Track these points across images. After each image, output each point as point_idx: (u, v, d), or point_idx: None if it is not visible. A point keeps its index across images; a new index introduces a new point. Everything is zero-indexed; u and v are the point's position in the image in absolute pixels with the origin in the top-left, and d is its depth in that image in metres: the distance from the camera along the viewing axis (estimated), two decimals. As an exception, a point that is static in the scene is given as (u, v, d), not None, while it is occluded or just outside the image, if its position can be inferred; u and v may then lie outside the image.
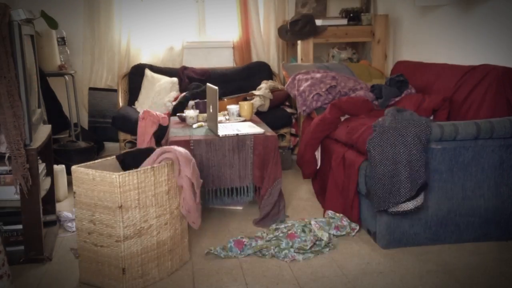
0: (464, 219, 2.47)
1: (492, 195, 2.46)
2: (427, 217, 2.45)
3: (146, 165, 2.20)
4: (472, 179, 2.43)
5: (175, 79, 4.21)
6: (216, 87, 2.75)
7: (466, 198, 2.45)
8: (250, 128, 2.93)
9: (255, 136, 2.81)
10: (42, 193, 2.48)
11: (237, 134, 2.80)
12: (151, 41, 4.45)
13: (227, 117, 3.27)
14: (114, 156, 2.33)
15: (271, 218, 2.81)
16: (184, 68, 4.37)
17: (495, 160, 2.43)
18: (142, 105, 4.10)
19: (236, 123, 3.13)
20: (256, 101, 3.79)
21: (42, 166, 2.62)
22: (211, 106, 2.89)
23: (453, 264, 2.29)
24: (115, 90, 4.33)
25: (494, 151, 2.42)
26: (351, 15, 4.22)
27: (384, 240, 2.46)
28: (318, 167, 3.21)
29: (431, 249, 2.45)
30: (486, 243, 2.49)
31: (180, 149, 2.21)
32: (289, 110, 4.04)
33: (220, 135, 2.79)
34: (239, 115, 3.29)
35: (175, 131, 2.96)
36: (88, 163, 2.21)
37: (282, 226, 2.60)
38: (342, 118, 3.11)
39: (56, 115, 3.87)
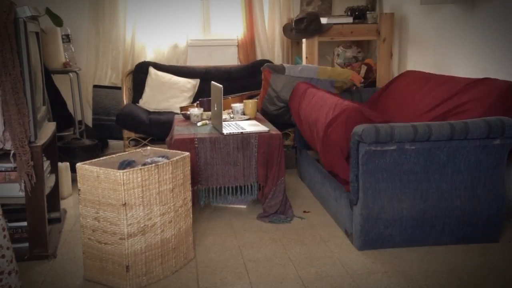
0: (440, 221, 2.44)
1: (469, 196, 2.41)
2: (402, 218, 2.41)
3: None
4: (448, 180, 2.39)
5: (196, 81, 4.22)
6: (221, 85, 2.75)
7: (442, 200, 2.40)
8: (255, 127, 2.92)
9: (259, 134, 2.81)
10: (47, 190, 2.48)
11: (241, 133, 2.79)
12: (155, 39, 4.45)
13: (231, 115, 3.27)
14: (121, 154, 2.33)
15: (277, 216, 2.82)
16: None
17: (471, 162, 2.38)
18: (146, 103, 4.10)
19: (240, 121, 3.13)
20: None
21: (46, 164, 2.63)
22: (215, 104, 2.88)
23: (458, 264, 2.28)
24: (120, 88, 4.33)
25: (469, 152, 2.36)
26: (357, 13, 4.20)
27: (359, 241, 2.43)
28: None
29: (435, 249, 2.44)
30: (490, 245, 2.48)
31: None
32: (293, 108, 4.03)
33: (225, 133, 2.78)
34: (244, 113, 3.28)
35: (180, 129, 2.96)
36: (93, 160, 2.20)
37: None
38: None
39: (60, 112, 3.87)
